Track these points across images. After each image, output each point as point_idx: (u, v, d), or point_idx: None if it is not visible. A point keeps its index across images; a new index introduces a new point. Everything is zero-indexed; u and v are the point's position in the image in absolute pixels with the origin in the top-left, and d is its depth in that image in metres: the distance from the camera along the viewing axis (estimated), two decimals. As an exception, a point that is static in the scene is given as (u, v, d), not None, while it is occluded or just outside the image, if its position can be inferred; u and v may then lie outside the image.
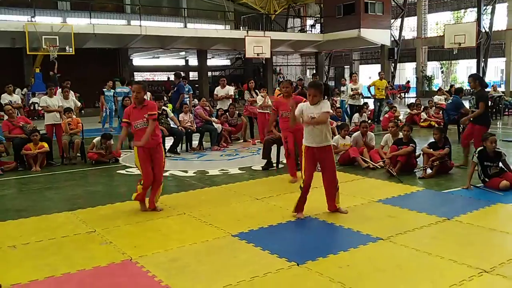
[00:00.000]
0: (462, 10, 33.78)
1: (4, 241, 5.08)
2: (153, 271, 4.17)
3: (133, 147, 6.24)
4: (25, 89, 23.16)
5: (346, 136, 9.43)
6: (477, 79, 8.53)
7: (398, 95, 31.77)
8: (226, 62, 43.15)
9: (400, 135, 8.80)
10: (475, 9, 28.88)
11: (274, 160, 9.00)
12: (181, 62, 40.91)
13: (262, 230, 5.25)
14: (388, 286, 3.87)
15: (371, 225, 5.32)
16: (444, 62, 35.33)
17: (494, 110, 17.49)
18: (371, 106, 16.23)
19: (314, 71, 34.47)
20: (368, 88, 16.62)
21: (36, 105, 21.66)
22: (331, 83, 37.61)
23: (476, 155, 7.10)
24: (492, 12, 28.58)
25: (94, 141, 9.98)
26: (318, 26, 33.90)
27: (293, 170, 7.77)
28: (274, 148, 8.93)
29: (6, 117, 9.98)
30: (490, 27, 28.48)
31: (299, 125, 6.09)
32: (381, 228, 5.18)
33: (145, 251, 4.65)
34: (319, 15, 33.96)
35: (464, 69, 37.14)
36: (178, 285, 3.90)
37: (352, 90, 14.94)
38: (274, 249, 4.61)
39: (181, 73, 14.44)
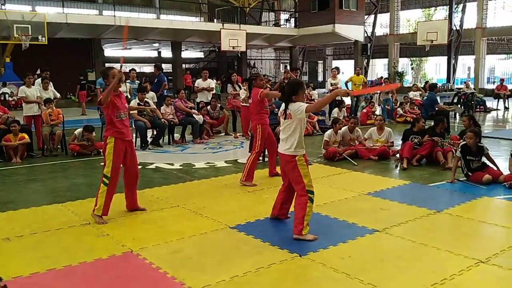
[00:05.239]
0: (433, 8, 34.23)
1: (-4, 233, 4.97)
2: (156, 263, 4.15)
3: (107, 139, 5.31)
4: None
5: (338, 131, 9.35)
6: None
7: (372, 91, 32.05)
8: (200, 54, 42.82)
9: (385, 128, 9.16)
10: (446, 7, 29.25)
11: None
12: (154, 54, 40.41)
13: (259, 222, 5.28)
14: (392, 275, 3.93)
15: (365, 217, 5.40)
16: (414, 58, 35.81)
17: (466, 107, 17.87)
18: (347, 101, 16.32)
19: (288, 66, 34.52)
20: (346, 83, 16.76)
21: (7, 95, 21.18)
22: (305, 78, 37.83)
23: (459, 149, 7.28)
24: (463, 11, 28.98)
25: (75, 132, 9.83)
26: (292, 20, 33.93)
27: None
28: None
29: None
30: (461, 25, 28.85)
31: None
32: (376, 220, 5.27)
33: (145, 243, 4.62)
34: (293, 10, 34.00)
35: (433, 66, 37.90)
36: (185, 277, 3.88)
37: (331, 85, 15.03)
38: (274, 241, 4.64)
39: (161, 64, 14.26)
